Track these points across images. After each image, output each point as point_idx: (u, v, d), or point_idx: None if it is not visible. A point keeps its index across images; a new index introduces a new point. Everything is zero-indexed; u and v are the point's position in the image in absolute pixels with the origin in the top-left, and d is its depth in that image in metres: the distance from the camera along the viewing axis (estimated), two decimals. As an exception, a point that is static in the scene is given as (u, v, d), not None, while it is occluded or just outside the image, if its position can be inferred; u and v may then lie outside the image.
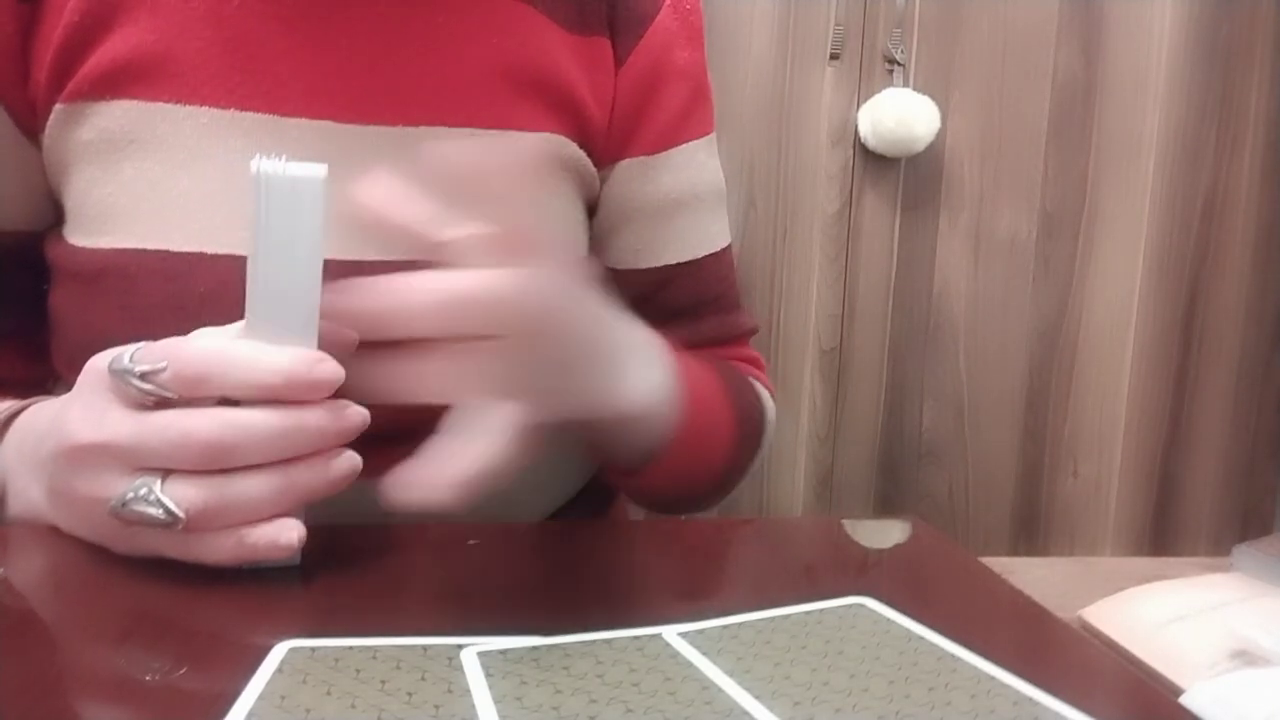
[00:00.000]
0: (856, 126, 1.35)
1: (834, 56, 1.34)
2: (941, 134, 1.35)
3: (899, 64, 1.34)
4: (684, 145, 0.62)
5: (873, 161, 1.37)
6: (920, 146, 1.31)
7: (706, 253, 0.65)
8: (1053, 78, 1.39)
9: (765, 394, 0.66)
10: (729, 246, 0.68)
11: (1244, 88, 1.42)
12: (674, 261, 0.63)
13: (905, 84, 1.34)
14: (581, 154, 0.57)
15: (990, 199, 1.41)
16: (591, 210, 0.62)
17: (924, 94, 1.31)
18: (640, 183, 0.61)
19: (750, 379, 0.64)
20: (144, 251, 0.48)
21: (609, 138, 0.60)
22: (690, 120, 0.63)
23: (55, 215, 0.52)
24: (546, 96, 0.56)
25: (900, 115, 1.29)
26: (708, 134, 0.65)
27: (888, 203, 1.39)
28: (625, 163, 0.60)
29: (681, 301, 0.64)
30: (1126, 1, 1.38)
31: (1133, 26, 1.39)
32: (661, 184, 0.61)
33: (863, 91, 1.35)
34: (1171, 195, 1.43)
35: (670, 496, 0.57)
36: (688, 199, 0.63)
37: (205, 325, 0.39)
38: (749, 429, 0.60)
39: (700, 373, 0.54)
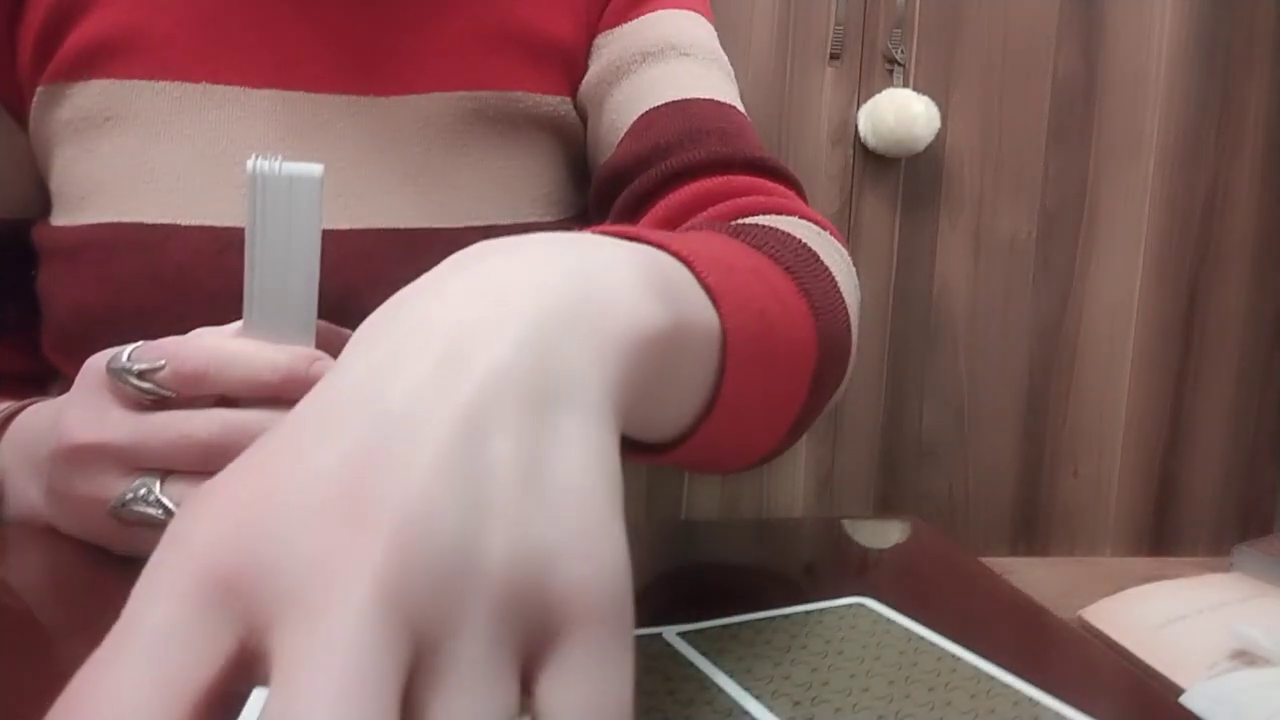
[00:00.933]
0: (856, 126, 1.35)
1: (834, 56, 1.34)
2: (941, 134, 1.35)
3: (899, 64, 1.34)
4: (650, 14, 0.58)
5: (873, 161, 1.37)
6: (920, 146, 1.31)
7: (695, 96, 0.54)
8: (1053, 78, 1.39)
9: (830, 242, 0.46)
10: (741, 111, 0.57)
11: (1244, 88, 1.42)
12: (651, 105, 0.54)
13: (905, 84, 1.34)
14: (561, 106, 0.57)
15: (990, 199, 1.41)
16: (590, 167, 0.60)
17: (924, 94, 1.31)
18: (606, 55, 0.58)
19: (804, 236, 0.43)
20: (120, 225, 0.48)
21: (591, 48, 0.58)
22: None
23: (46, 204, 0.53)
24: (522, 49, 0.55)
25: (900, 115, 1.29)
26: (683, 8, 0.59)
27: (888, 203, 1.39)
28: (597, 40, 0.58)
29: (665, 137, 0.52)
30: (1126, 1, 1.38)
31: (1133, 26, 1.39)
32: (624, 46, 0.57)
33: (863, 91, 1.35)
34: (1171, 195, 1.43)
35: (750, 442, 0.37)
36: (654, 51, 0.56)
37: (181, 295, 0.39)
38: (829, 307, 0.40)
39: (735, 259, 0.34)
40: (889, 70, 1.35)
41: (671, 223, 0.49)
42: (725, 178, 0.51)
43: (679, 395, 0.28)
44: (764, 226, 0.42)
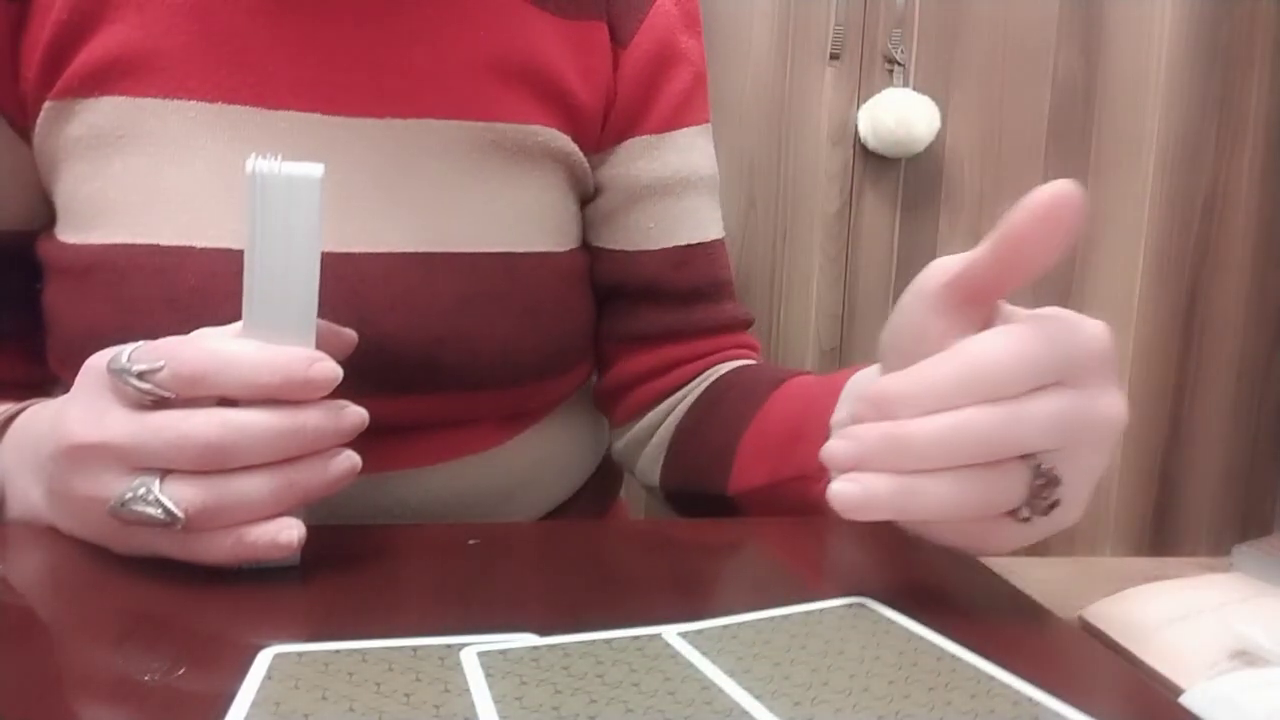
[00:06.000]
0: (856, 126, 1.35)
1: (834, 56, 1.34)
2: (941, 134, 1.35)
3: (899, 64, 1.34)
4: (688, 128, 0.63)
5: (873, 161, 1.37)
6: (920, 147, 1.31)
7: (715, 237, 0.65)
8: (1053, 78, 1.39)
9: None
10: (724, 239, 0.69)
11: (1244, 88, 1.42)
12: (690, 242, 0.63)
13: (905, 84, 1.34)
14: (571, 145, 0.57)
15: (990, 199, 1.41)
16: (586, 199, 0.61)
17: (924, 94, 1.31)
18: (648, 160, 0.61)
19: None
20: (133, 246, 0.48)
21: (612, 118, 0.60)
22: (693, 105, 0.63)
23: (49, 215, 0.52)
24: (534, 87, 0.55)
25: (900, 115, 1.29)
26: (706, 122, 0.65)
27: (888, 203, 1.39)
28: (631, 141, 0.61)
29: (700, 283, 0.64)
30: (1126, 1, 1.38)
31: (1133, 26, 1.39)
32: (669, 162, 0.62)
33: (863, 91, 1.35)
34: (1171, 195, 1.43)
35: None
36: (694, 180, 0.63)
37: (195, 318, 0.39)
38: None
39: None
40: (889, 70, 1.35)
41: (698, 352, 0.64)
42: (734, 335, 0.66)
43: None
44: None
